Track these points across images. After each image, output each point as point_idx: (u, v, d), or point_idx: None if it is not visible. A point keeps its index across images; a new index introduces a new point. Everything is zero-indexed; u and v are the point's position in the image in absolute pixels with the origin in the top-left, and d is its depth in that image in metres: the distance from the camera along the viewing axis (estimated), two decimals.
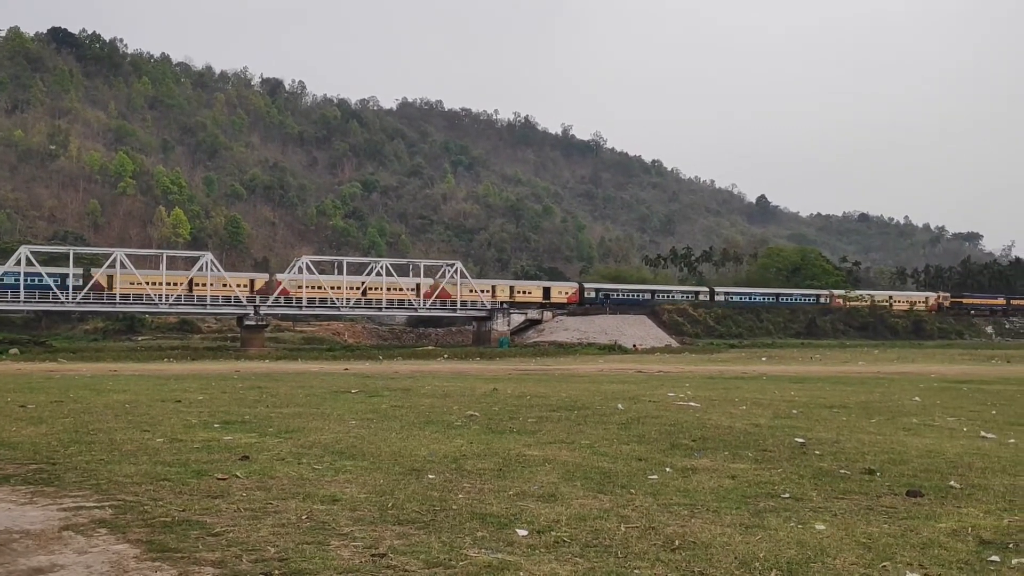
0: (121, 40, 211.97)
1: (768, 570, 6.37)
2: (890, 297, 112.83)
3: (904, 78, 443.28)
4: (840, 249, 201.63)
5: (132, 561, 6.59)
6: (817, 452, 12.23)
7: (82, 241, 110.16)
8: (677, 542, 7.09)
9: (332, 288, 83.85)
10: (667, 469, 10.70)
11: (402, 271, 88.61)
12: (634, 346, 78.87)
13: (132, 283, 77.57)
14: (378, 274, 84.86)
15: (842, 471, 10.67)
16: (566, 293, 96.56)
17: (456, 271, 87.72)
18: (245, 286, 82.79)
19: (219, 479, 9.78)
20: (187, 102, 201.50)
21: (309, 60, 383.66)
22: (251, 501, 8.63)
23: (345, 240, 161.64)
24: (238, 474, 10.09)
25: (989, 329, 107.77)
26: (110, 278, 78.03)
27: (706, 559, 6.64)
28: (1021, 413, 19.33)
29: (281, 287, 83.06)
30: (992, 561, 6.63)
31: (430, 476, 10.03)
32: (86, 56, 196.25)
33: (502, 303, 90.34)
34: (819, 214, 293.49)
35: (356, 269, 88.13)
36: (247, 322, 77.45)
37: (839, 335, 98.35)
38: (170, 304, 76.78)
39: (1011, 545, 7.09)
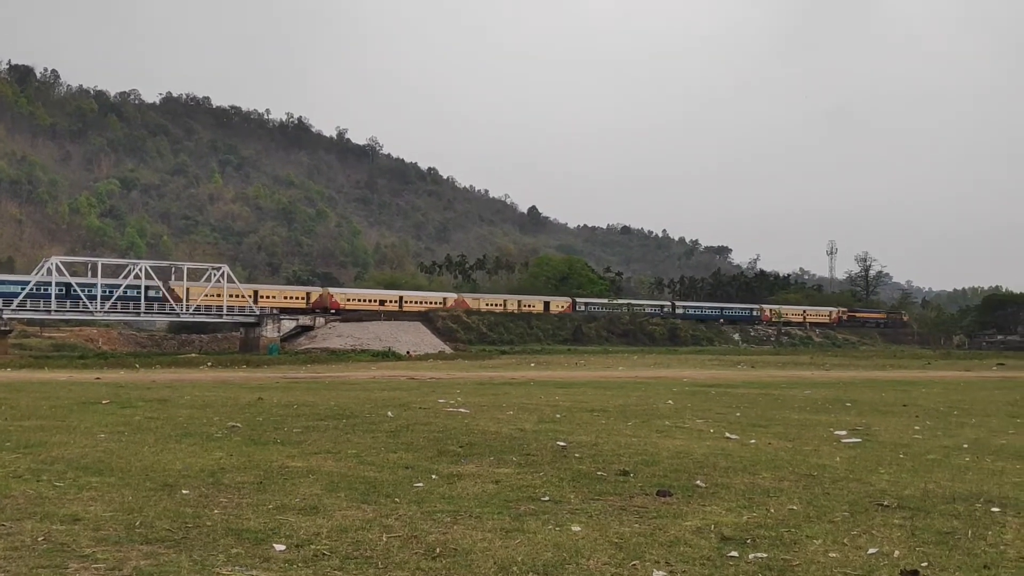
0: None
1: (525, 573, 6.50)
2: (804, 311, 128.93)
3: (661, 98, 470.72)
4: (604, 259, 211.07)
5: None
6: (577, 455, 12.66)
7: None
8: (438, 549, 7.11)
9: (385, 302, 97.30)
10: (433, 476, 10.73)
11: (164, 274, 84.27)
12: (408, 352, 78.90)
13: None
14: (136, 276, 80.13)
15: (599, 473, 11.10)
16: (562, 306, 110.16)
17: (223, 275, 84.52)
18: (301, 298, 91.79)
19: None
20: None
21: (63, 48, 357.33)
22: None
23: (101, 240, 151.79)
24: None
25: (736, 336, 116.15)
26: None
27: (466, 565, 6.69)
28: (762, 415, 20.88)
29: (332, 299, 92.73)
30: (731, 556, 7.07)
31: (184, 491, 9.53)
32: None
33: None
34: (586, 226, 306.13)
35: (112, 271, 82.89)
36: None
37: (603, 341, 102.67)
38: None
39: (749, 541, 7.59)
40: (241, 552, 7.01)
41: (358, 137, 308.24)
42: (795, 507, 9.11)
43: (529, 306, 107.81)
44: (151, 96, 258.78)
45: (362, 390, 29.40)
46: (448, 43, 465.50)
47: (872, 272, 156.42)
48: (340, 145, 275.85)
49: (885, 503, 9.34)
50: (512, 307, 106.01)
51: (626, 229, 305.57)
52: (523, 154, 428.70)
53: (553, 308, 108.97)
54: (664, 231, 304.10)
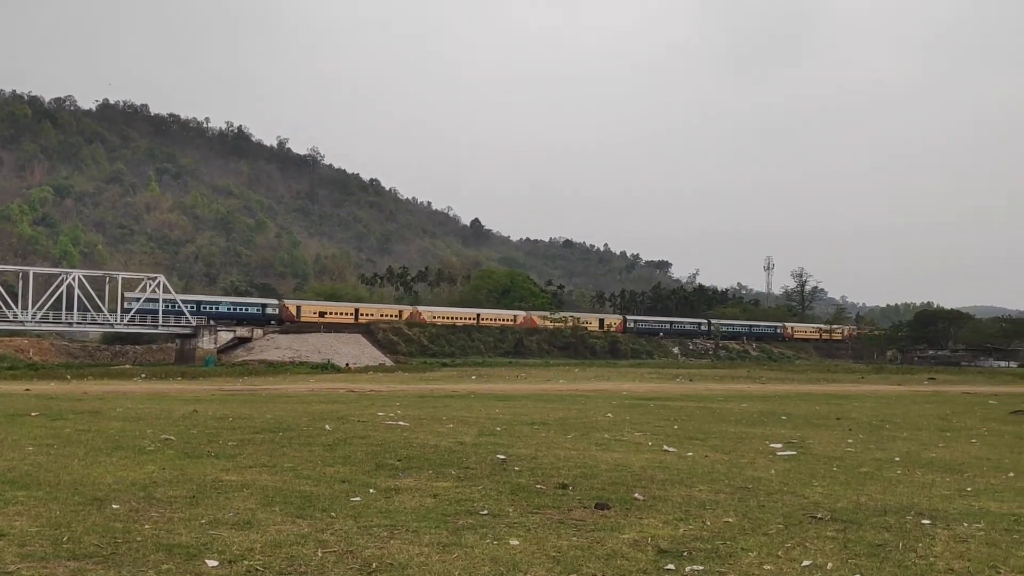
0: None
1: None
2: (830, 327, 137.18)
3: (602, 117, 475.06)
4: (547, 273, 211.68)
5: None
6: (516, 468, 12.63)
7: None
8: (374, 564, 7.02)
9: (463, 319, 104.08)
10: (371, 490, 10.61)
11: (98, 284, 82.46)
12: (347, 365, 78.18)
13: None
14: (69, 286, 78.35)
15: (538, 486, 11.08)
16: (615, 324, 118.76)
17: (159, 285, 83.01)
18: (395, 315, 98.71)
19: None
20: None
21: None
22: None
23: (33, 249, 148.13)
24: None
25: (676, 350, 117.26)
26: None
27: None
28: (699, 428, 21.08)
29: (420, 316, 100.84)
30: (668, 569, 7.08)
31: (114, 506, 9.29)
32: None
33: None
34: (528, 239, 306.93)
35: (44, 281, 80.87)
36: None
37: (544, 354, 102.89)
38: None
39: (685, 553, 7.62)
40: (172, 568, 6.85)
41: (299, 147, 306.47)
42: (731, 520, 9.18)
43: (587, 323, 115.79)
44: (87, 103, 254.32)
45: (299, 403, 29.02)
46: (391, 56, 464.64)
47: (808, 288, 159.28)
48: (281, 155, 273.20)
49: (819, 516, 9.46)
50: (571, 324, 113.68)
51: (568, 243, 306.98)
52: (466, 167, 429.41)
53: (606, 325, 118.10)
54: (606, 245, 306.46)
